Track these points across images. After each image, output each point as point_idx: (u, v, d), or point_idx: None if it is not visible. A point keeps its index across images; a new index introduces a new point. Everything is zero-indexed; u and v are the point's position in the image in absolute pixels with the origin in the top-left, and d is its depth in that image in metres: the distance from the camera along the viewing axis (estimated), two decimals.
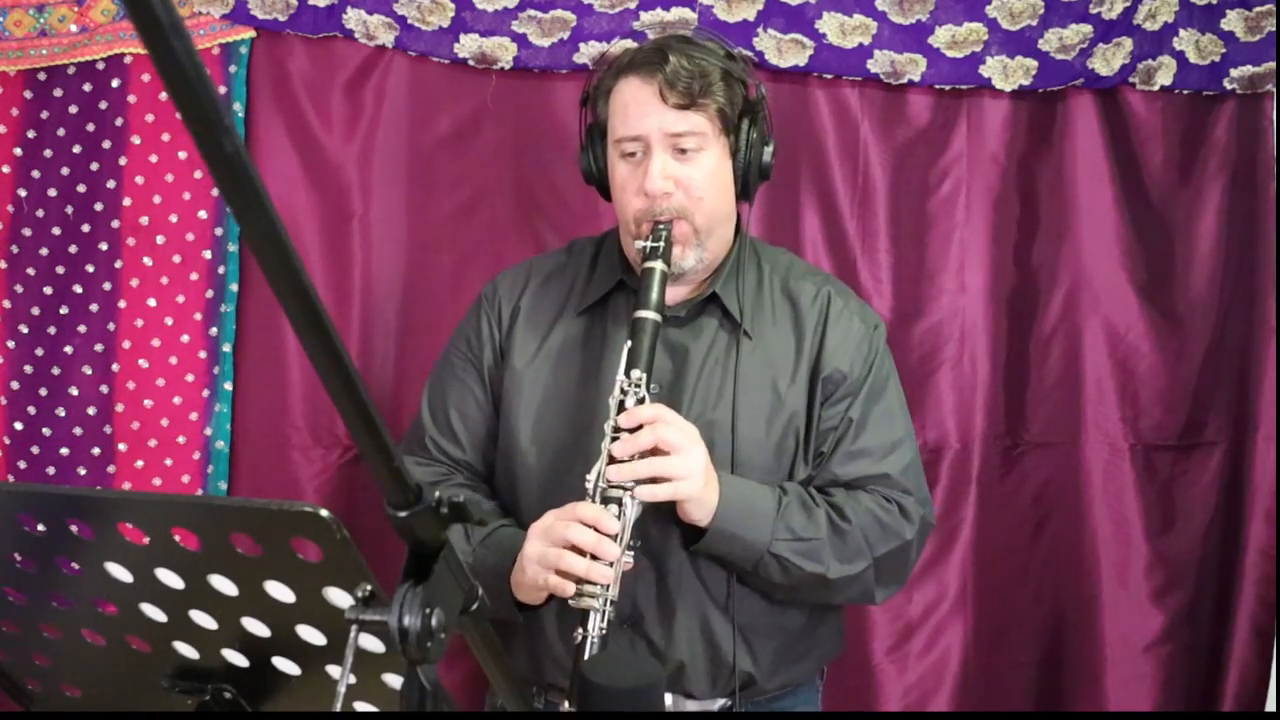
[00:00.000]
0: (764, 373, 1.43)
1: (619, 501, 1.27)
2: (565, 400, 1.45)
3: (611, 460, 1.28)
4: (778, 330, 1.46)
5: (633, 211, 1.40)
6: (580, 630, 1.24)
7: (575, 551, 1.25)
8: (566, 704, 1.32)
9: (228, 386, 1.99)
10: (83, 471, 1.99)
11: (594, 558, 1.24)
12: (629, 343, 1.32)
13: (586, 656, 1.21)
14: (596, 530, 1.25)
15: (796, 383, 1.44)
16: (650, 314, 1.33)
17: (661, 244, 1.36)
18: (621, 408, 1.30)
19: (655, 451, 1.30)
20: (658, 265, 1.35)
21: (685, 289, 1.48)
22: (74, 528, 0.82)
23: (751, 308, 1.46)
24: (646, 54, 1.39)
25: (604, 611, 1.24)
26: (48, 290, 1.98)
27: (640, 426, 1.29)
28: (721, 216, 1.44)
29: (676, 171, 1.37)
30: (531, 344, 1.49)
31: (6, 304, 1.99)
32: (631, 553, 1.29)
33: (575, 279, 1.52)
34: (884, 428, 1.45)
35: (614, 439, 1.29)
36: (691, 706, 1.43)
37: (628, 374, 1.31)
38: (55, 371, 1.99)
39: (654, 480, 1.29)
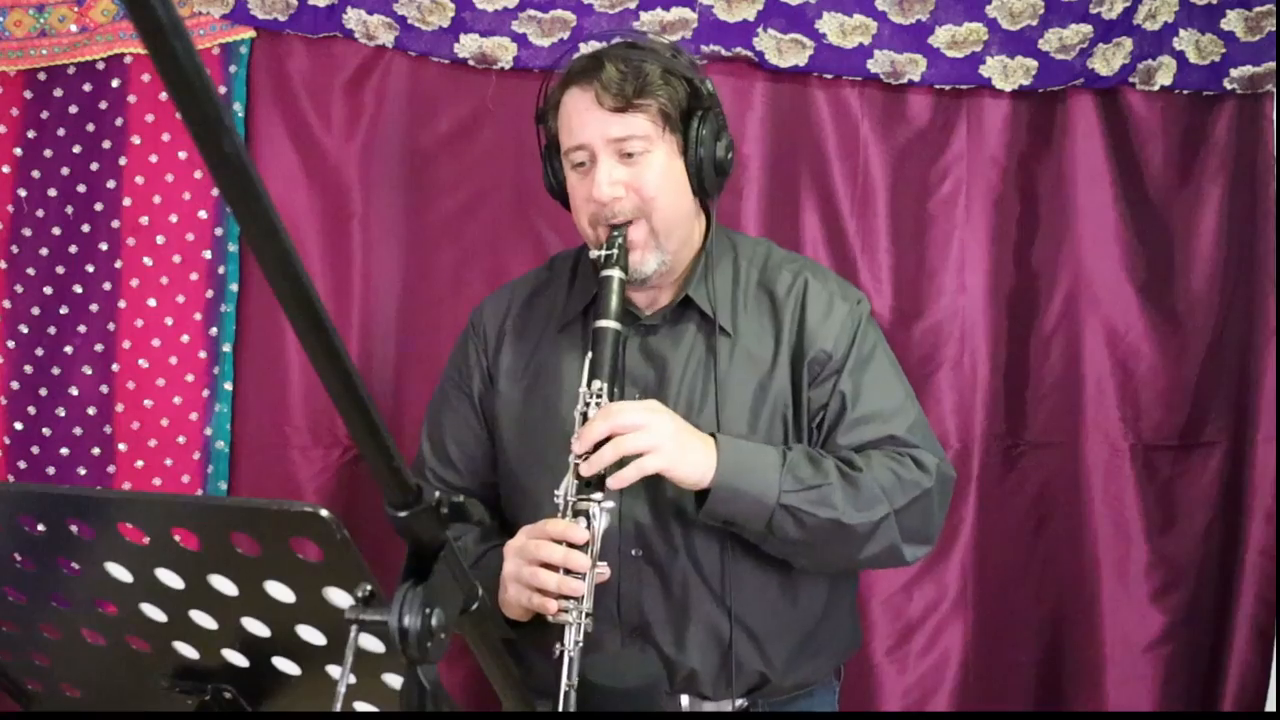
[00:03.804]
0: (745, 368, 1.43)
1: (587, 514, 1.26)
2: (550, 417, 1.44)
3: (579, 475, 1.27)
4: (756, 322, 1.46)
5: (587, 218, 1.40)
6: (558, 645, 1.23)
7: (548, 568, 1.25)
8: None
9: (228, 386, 1.99)
10: (83, 471, 1.99)
11: (567, 572, 1.24)
12: (589, 354, 1.32)
13: (565, 670, 1.21)
14: (567, 544, 1.24)
15: (778, 372, 1.43)
16: (609, 324, 1.32)
17: (615, 251, 1.35)
18: (586, 419, 1.29)
19: None
20: (615, 273, 1.34)
21: (662, 293, 1.47)
22: (74, 528, 0.82)
23: (730, 304, 1.45)
24: (584, 63, 1.39)
25: (579, 624, 1.23)
26: (48, 290, 1.98)
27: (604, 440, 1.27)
28: (680, 216, 1.42)
29: (624, 176, 1.37)
30: (518, 366, 1.49)
31: (6, 304, 1.99)
32: (605, 563, 1.28)
33: (556, 296, 1.52)
34: (881, 392, 1.43)
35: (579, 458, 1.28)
36: (708, 707, 1.43)
37: (589, 385, 1.31)
38: (55, 371, 1.99)
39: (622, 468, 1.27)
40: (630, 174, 1.37)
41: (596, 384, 1.30)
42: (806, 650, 1.46)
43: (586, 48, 1.89)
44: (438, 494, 0.67)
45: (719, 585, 1.40)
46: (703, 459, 1.30)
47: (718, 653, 1.41)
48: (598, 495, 1.27)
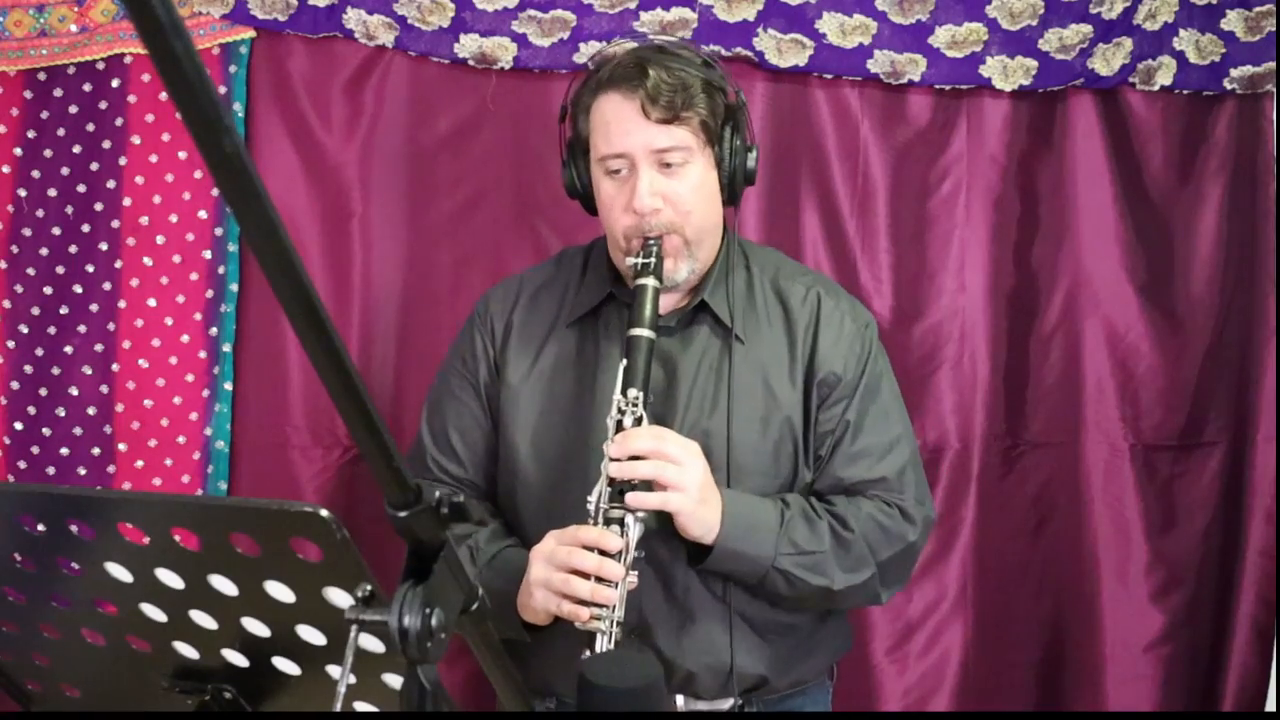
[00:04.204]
0: (757, 376, 1.43)
1: (620, 521, 1.27)
2: (562, 415, 1.45)
3: (611, 482, 1.28)
4: (770, 332, 1.46)
5: (621, 228, 1.40)
6: (588, 652, 1.24)
7: (579, 575, 1.25)
8: None
9: (228, 386, 1.99)
10: (83, 471, 1.99)
11: (599, 580, 1.24)
12: (624, 361, 1.32)
13: None
14: (600, 551, 1.25)
15: (789, 383, 1.44)
16: (645, 332, 1.32)
17: (653, 260, 1.36)
18: (620, 427, 1.30)
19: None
20: (650, 282, 1.35)
21: (674, 297, 1.47)
22: (74, 528, 0.82)
23: (743, 311, 1.46)
24: (625, 69, 1.37)
25: (611, 634, 1.24)
26: (48, 290, 1.98)
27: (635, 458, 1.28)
28: (710, 226, 1.43)
29: (664, 187, 1.37)
30: (526, 360, 1.49)
31: (6, 304, 1.99)
32: (636, 572, 1.28)
33: (566, 291, 1.52)
34: (881, 427, 1.45)
35: (613, 460, 1.28)
36: (702, 706, 1.43)
37: (624, 393, 1.31)
38: (55, 371, 1.99)
39: (650, 486, 1.28)
40: (670, 186, 1.37)
41: (633, 392, 1.30)
42: (803, 649, 1.47)
43: (587, 48, 1.91)
44: (438, 494, 0.67)
45: (719, 587, 1.41)
46: (711, 518, 1.32)
47: (717, 654, 1.41)
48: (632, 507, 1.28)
